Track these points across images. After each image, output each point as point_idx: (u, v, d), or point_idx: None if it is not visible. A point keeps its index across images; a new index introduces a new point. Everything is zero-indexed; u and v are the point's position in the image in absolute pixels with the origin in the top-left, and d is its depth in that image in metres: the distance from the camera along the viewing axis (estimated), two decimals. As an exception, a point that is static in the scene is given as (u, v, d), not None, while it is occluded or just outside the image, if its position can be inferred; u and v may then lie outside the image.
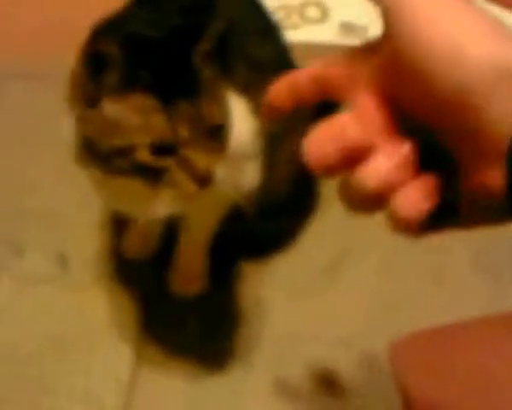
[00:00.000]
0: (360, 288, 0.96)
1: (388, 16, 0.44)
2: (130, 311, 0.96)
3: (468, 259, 0.96)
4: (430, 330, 0.87)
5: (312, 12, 1.29)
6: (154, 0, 0.88)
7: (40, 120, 1.04)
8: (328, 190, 1.04)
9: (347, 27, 1.25)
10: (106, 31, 0.80)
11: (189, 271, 0.99)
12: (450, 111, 0.41)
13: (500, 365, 0.82)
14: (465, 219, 0.45)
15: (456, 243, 0.97)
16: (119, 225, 1.01)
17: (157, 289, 0.98)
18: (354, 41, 1.22)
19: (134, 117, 0.73)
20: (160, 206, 0.79)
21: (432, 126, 0.43)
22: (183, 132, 0.73)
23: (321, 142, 0.45)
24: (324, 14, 1.28)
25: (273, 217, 0.98)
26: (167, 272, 0.99)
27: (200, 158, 0.74)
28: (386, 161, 0.44)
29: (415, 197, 0.43)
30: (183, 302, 0.97)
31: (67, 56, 0.80)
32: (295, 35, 1.25)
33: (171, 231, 0.96)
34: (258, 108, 0.87)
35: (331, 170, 0.45)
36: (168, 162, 0.74)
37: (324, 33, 1.26)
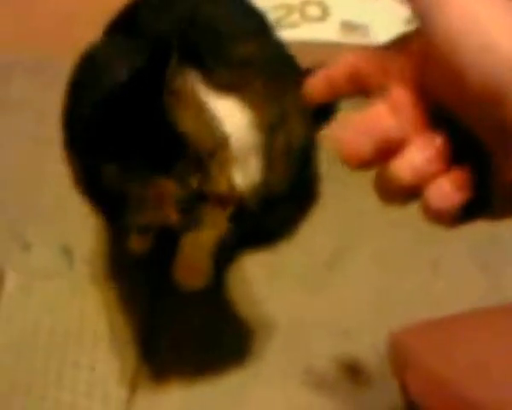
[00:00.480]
0: (360, 280, 0.97)
1: (421, 9, 0.45)
2: (135, 306, 0.97)
3: (467, 250, 0.97)
4: (429, 321, 0.88)
5: (313, 10, 1.30)
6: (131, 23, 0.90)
7: (47, 115, 1.05)
8: (328, 182, 1.06)
9: (348, 26, 1.26)
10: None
11: (193, 265, 1.00)
12: (481, 104, 0.42)
13: (497, 354, 0.83)
14: (499, 211, 0.46)
15: (454, 235, 0.97)
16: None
17: (162, 284, 0.99)
18: (355, 40, 1.23)
19: (150, 202, 0.75)
20: None
21: (465, 120, 0.44)
22: (194, 184, 0.74)
23: (356, 134, 0.46)
24: (325, 13, 1.29)
25: (272, 210, 0.98)
26: (172, 267, 1.00)
27: (218, 183, 0.75)
28: (420, 153, 0.45)
29: (447, 189, 0.44)
30: (188, 297, 0.98)
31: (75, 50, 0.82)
32: (296, 33, 1.26)
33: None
34: (248, 103, 0.89)
35: (365, 163, 0.46)
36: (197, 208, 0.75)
37: (325, 32, 1.26)
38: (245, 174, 0.85)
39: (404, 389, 0.85)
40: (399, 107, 0.46)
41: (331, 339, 0.92)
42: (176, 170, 0.74)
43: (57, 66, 0.99)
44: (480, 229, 0.96)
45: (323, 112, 1.09)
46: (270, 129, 0.92)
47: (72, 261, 1.01)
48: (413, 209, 1.09)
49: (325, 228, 1.02)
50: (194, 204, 0.75)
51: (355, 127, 0.46)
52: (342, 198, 1.04)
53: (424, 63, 0.45)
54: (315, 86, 0.50)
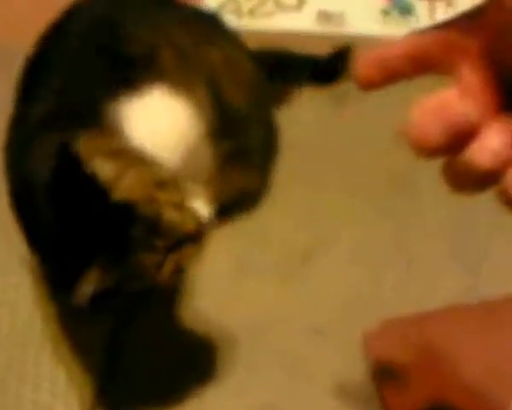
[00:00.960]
0: (333, 277, 0.95)
1: None
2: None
3: (444, 247, 0.96)
4: (403, 318, 0.87)
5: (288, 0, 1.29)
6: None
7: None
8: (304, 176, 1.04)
9: (324, 15, 1.24)
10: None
11: None
12: None
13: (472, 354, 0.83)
14: None
15: (431, 232, 0.97)
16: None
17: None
18: (331, 29, 1.21)
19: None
20: None
21: None
22: (160, 243, 0.71)
23: (428, 120, 0.44)
24: (300, 2, 1.28)
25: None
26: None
27: (184, 226, 0.72)
28: (498, 138, 0.43)
29: None
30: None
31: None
32: (270, 23, 1.24)
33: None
34: (198, 99, 0.87)
35: (438, 150, 0.44)
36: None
37: (301, 21, 1.25)
38: (206, 191, 0.80)
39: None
40: (471, 89, 0.44)
41: (303, 335, 0.90)
42: (136, 242, 0.71)
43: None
44: (458, 226, 0.97)
45: (328, 73, 1.09)
46: (244, 119, 0.91)
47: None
48: (393, 203, 1.08)
49: (296, 225, 1.00)
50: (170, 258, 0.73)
51: (426, 113, 0.44)
52: (318, 192, 1.02)
53: (498, 38, 0.43)
54: (367, 71, 0.47)
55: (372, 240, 0.97)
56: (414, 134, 0.44)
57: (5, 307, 0.94)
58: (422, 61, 0.46)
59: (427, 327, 0.86)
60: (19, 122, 0.87)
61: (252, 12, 1.25)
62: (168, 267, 0.73)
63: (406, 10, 1.24)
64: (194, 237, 0.74)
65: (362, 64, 0.47)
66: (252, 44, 1.04)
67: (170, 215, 0.72)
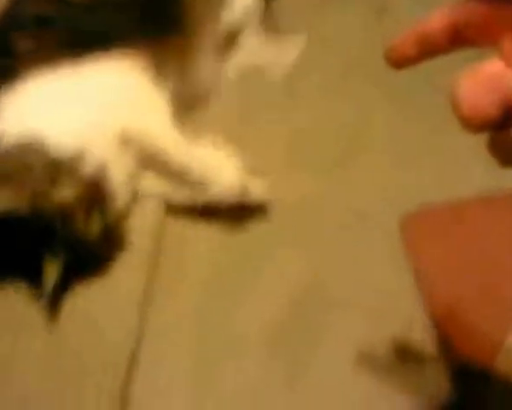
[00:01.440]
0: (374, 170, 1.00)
1: None
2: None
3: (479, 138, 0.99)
4: (439, 205, 0.91)
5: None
6: None
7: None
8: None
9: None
10: None
11: None
12: None
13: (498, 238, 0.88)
14: None
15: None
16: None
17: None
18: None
19: None
20: None
21: None
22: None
23: (477, 93, 0.41)
24: None
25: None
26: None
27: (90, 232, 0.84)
28: None
29: None
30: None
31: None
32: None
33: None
34: None
35: (488, 124, 0.42)
36: None
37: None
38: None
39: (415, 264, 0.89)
40: None
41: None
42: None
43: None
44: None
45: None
46: None
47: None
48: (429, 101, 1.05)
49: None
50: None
51: (475, 85, 0.41)
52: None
53: None
54: (402, 47, 0.46)
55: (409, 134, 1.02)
56: (465, 107, 0.41)
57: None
58: (462, 34, 0.44)
59: (463, 214, 0.90)
60: None
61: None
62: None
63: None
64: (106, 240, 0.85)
65: (397, 41, 0.46)
66: None
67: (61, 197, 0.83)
